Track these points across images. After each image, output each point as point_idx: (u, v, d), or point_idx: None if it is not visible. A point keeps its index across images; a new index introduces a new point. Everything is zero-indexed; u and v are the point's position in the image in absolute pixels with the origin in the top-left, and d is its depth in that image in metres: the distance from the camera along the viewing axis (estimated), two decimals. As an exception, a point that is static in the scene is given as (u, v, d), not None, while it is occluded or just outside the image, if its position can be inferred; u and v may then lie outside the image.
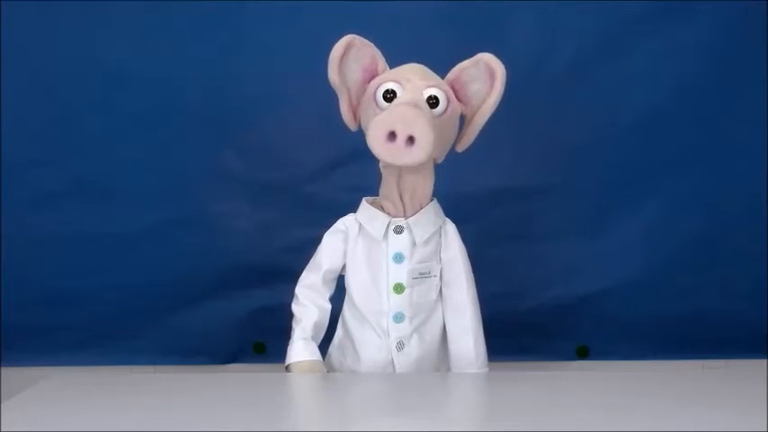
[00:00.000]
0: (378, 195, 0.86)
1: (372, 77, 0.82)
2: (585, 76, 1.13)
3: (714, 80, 1.13)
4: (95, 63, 1.11)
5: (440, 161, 0.85)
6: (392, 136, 0.74)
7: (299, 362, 0.84)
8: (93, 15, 1.10)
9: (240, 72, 1.12)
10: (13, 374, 1.13)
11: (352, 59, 0.82)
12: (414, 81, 0.79)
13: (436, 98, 0.79)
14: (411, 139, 0.74)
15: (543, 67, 1.12)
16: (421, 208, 0.84)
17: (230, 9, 1.11)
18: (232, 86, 1.12)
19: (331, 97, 0.84)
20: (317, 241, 0.88)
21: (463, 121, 0.85)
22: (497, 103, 0.81)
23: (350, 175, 1.10)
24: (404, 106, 0.76)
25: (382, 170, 0.84)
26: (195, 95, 1.12)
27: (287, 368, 0.85)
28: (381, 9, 1.09)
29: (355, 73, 0.83)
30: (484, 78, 0.82)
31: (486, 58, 0.81)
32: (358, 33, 0.82)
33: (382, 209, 0.85)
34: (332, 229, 0.87)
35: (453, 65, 0.84)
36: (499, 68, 0.80)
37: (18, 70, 1.11)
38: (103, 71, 1.11)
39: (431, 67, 0.83)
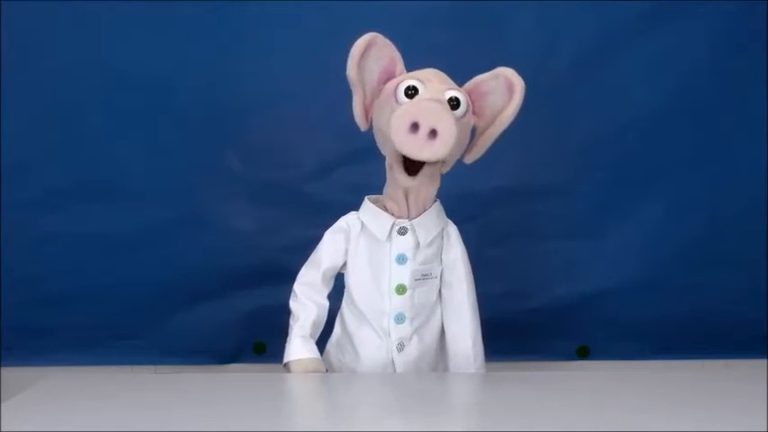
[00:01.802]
0: (380, 194, 0.86)
1: (389, 78, 0.81)
2: (585, 76, 1.13)
3: (714, 80, 1.13)
4: (95, 63, 1.11)
5: (446, 170, 0.83)
6: (414, 128, 0.73)
7: (298, 359, 0.84)
8: (93, 15, 1.10)
9: (240, 72, 1.12)
10: (13, 374, 1.13)
11: (372, 58, 0.81)
12: (435, 82, 0.79)
13: (457, 100, 0.78)
14: (433, 133, 0.73)
15: (543, 68, 1.12)
16: (425, 209, 0.84)
17: (230, 9, 1.11)
18: (232, 86, 1.12)
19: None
20: (317, 241, 0.88)
21: (473, 133, 0.84)
22: (514, 116, 0.81)
23: (350, 175, 1.10)
24: (428, 100, 0.75)
25: (388, 170, 0.83)
26: (195, 95, 1.12)
27: (285, 366, 0.85)
28: (381, 9, 1.08)
29: (373, 72, 0.81)
30: (502, 91, 0.81)
31: (506, 72, 0.81)
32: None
33: (385, 208, 0.84)
34: (334, 227, 0.87)
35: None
36: (519, 83, 0.80)
37: (18, 70, 1.11)
38: (103, 71, 1.11)
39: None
